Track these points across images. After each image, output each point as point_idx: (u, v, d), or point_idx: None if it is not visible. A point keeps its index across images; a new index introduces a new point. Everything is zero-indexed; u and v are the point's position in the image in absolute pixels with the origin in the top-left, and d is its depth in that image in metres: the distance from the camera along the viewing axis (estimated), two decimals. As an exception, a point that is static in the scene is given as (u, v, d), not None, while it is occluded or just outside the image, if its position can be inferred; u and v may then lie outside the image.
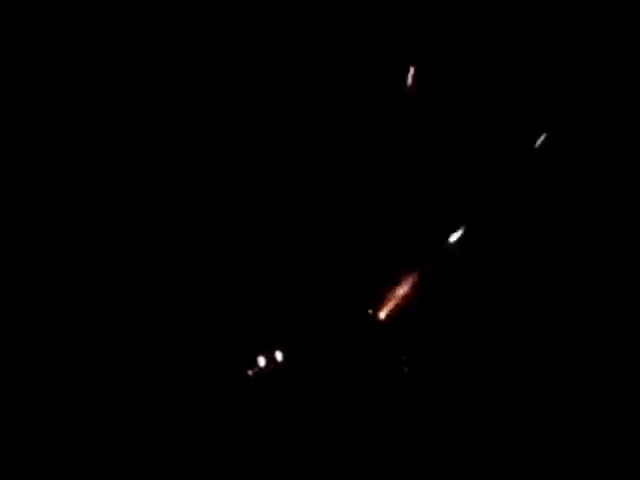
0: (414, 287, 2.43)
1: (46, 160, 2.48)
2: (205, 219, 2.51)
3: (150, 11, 2.50)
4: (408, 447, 2.37)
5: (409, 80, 2.48)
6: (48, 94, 2.48)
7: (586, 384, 2.35)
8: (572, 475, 2.30)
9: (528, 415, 2.35)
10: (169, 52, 2.51)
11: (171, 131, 2.52)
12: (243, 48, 2.53)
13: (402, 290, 2.43)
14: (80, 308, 2.44)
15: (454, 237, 2.43)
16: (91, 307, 2.44)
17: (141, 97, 2.51)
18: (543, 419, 2.35)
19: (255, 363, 2.44)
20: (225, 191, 2.53)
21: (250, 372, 2.43)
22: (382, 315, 2.43)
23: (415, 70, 2.47)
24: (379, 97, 2.51)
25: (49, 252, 2.45)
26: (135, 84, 2.51)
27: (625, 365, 2.35)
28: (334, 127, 2.52)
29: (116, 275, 2.46)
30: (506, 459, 2.34)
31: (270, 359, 2.44)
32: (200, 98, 2.53)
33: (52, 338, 2.41)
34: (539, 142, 2.42)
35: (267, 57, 2.53)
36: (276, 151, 2.54)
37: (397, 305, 2.42)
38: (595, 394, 2.34)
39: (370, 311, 2.44)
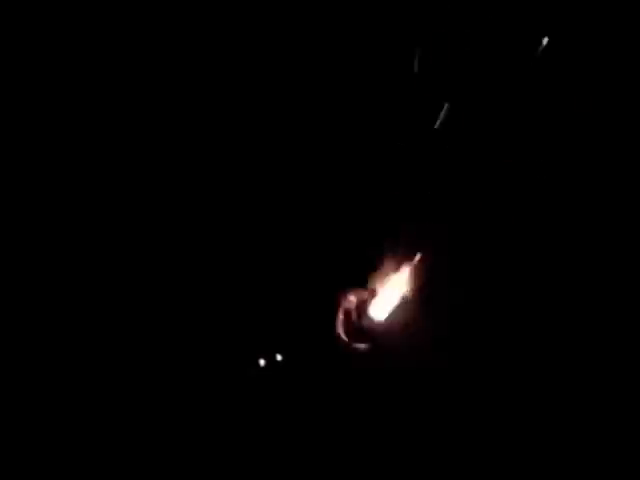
0: (413, 285, 2.43)
1: (46, 160, 2.49)
2: (206, 220, 2.52)
3: (150, 11, 2.51)
4: (407, 447, 2.38)
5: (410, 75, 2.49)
6: (48, 94, 2.49)
7: (586, 383, 2.36)
8: (572, 475, 2.31)
9: (528, 415, 2.36)
10: (169, 52, 2.52)
11: (171, 131, 2.53)
12: (244, 48, 2.54)
13: (401, 289, 2.43)
14: (80, 308, 2.45)
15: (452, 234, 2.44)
16: (91, 307, 2.45)
17: (141, 97, 2.52)
18: (543, 419, 2.36)
19: (255, 363, 2.45)
20: (224, 191, 2.54)
21: (250, 372, 2.44)
22: (381, 314, 2.43)
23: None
24: (378, 94, 2.52)
25: (49, 252, 2.47)
26: (135, 84, 2.52)
27: (625, 365, 2.36)
28: (332, 123, 2.54)
29: (116, 275, 2.47)
30: (506, 459, 2.35)
31: (270, 359, 2.45)
32: (200, 98, 2.54)
33: (52, 338, 2.42)
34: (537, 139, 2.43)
35: (268, 58, 2.54)
36: (275, 150, 2.55)
37: (396, 303, 2.43)
38: (595, 394, 2.35)
39: (368, 310, 2.44)
